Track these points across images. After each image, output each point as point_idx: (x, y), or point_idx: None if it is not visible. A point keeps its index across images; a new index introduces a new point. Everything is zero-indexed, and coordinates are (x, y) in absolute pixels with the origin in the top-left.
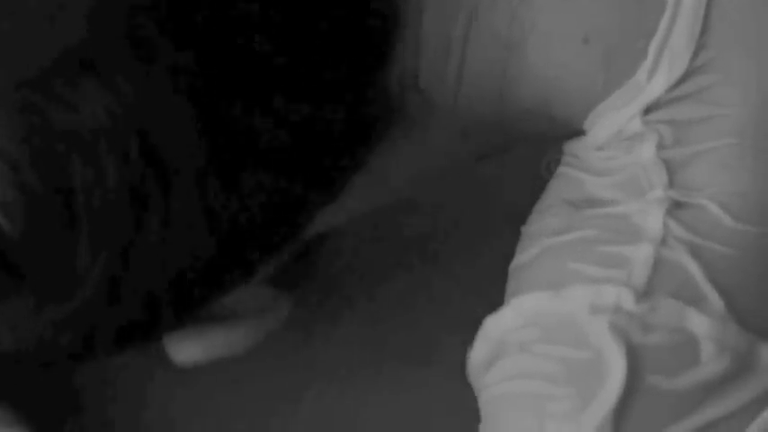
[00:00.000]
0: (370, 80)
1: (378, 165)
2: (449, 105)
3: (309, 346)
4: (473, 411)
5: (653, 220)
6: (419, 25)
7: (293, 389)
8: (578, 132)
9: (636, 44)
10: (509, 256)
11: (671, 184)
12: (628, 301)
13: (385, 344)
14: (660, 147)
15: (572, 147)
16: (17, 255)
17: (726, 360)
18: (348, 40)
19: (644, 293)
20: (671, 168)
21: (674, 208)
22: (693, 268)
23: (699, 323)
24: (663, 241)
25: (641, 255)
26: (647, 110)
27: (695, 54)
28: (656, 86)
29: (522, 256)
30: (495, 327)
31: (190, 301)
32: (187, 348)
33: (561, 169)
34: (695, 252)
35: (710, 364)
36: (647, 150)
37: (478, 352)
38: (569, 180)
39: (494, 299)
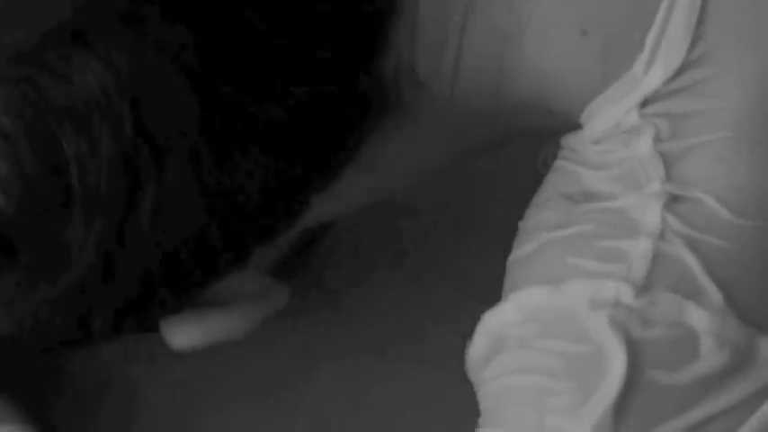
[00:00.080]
0: (366, 64)
1: (373, 153)
2: (445, 97)
3: (312, 332)
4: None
5: (651, 214)
6: (415, 12)
7: (296, 374)
8: (575, 126)
9: (633, 36)
10: (504, 250)
11: (668, 177)
12: (627, 295)
13: (378, 336)
14: (657, 140)
15: (569, 140)
16: (11, 229)
17: (725, 354)
18: (344, 21)
19: (643, 288)
20: (668, 161)
21: (672, 202)
22: (692, 262)
23: (698, 317)
24: (661, 235)
25: (640, 249)
26: (645, 103)
27: (692, 46)
28: (654, 79)
29: (520, 251)
30: (494, 321)
31: (185, 283)
32: (184, 332)
33: (558, 163)
34: (693, 246)
35: (710, 358)
36: (645, 144)
37: (477, 347)
38: (566, 174)
39: (486, 292)
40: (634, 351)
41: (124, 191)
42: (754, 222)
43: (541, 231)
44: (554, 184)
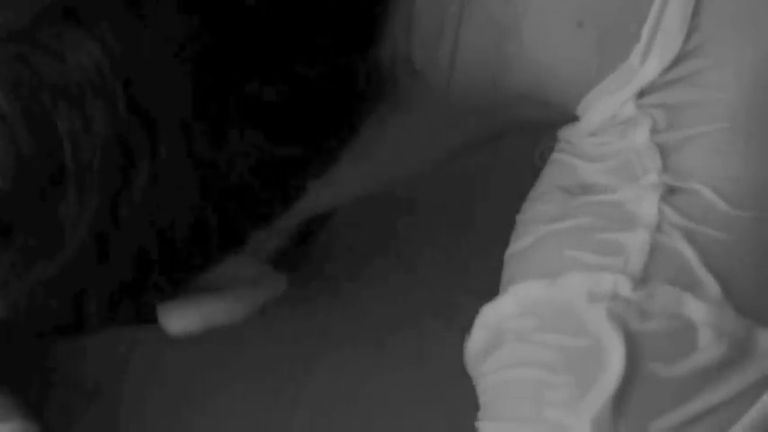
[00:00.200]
0: (363, 51)
1: (369, 141)
2: (442, 88)
3: (311, 321)
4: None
5: (648, 206)
6: (412, 2)
7: (295, 364)
8: (572, 119)
9: (629, 27)
10: (501, 244)
11: (664, 168)
12: (625, 288)
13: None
14: (654, 131)
15: (565, 133)
16: (5, 208)
17: (723, 346)
18: (342, 7)
19: (641, 280)
20: (664, 153)
21: (669, 193)
22: (689, 254)
23: (696, 309)
24: (658, 227)
25: (637, 241)
26: (641, 94)
27: (687, 36)
28: (650, 70)
29: (518, 244)
30: (492, 315)
31: (180, 266)
32: (181, 318)
33: (555, 156)
34: (690, 237)
35: (708, 350)
36: (641, 135)
37: (476, 341)
38: (563, 166)
39: (484, 286)
40: (632, 344)
41: (117, 168)
42: (750, 213)
43: (538, 224)
44: (551, 176)
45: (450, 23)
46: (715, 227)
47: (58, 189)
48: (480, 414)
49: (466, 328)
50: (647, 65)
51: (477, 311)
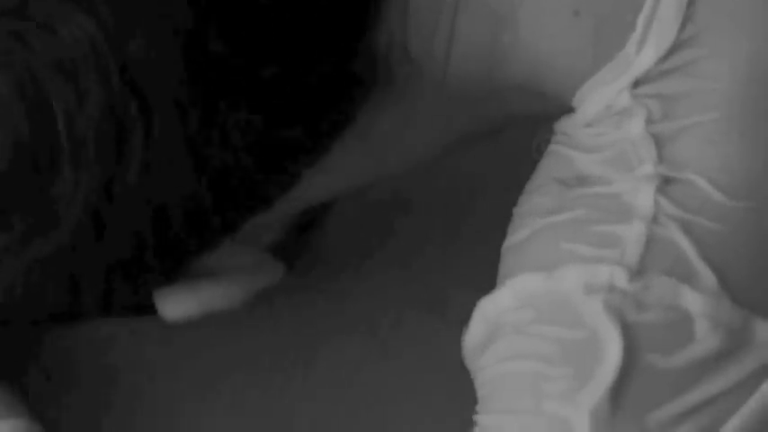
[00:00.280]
0: (357, 37)
1: (365, 128)
2: (438, 77)
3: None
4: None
5: (643, 197)
6: None
7: (298, 352)
8: (568, 110)
9: (625, 17)
10: (497, 239)
11: (660, 158)
12: (621, 279)
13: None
14: (649, 121)
15: (562, 125)
16: (0, 186)
17: (720, 337)
18: None
19: (637, 272)
20: (659, 143)
21: (664, 184)
22: (685, 245)
23: (692, 300)
24: (654, 219)
25: (633, 233)
26: (636, 84)
27: (683, 26)
28: (645, 59)
29: (514, 237)
30: (490, 308)
31: (175, 248)
32: (176, 303)
33: (551, 148)
34: (686, 228)
35: (705, 340)
36: (636, 125)
37: (474, 334)
38: (559, 158)
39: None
40: (629, 335)
41: (111, 144)
42: (745, 204)
43: (535, 217)
44: (547, 169)
45: (446, 12)
46: (710, 218)
47: (53, 166)
48: (478, 407)
49: (463, 321)
50: (642, 54)
51: (473, 306)
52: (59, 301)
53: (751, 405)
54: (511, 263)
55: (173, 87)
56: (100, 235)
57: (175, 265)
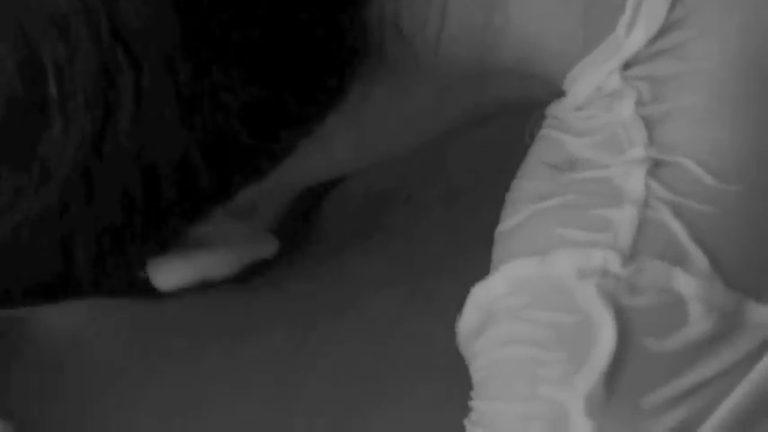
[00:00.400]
0: (349, 9)
1: (358, 104)
2: (430, 56)
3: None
4: None
5: (634, 181)
6: None
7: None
8: (560, 94)
9: None
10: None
11: (650, 141)
12: (614, 263)
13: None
14: (639, 103)
15: (552, 109)
16: None
17: (713, 319)
18: None
19: (630, 256)
20: (649, 125)
21: (655, 167)
22: (677, 228)
23: (685, 283)
24: (645, 202)
25: (625, 217)
26: (626, 66)
27: (672, 7)
28: (635, 41)
29: (507, 223)
30: (483, 295)
31: (167, 212)
32: (171, 271)
33: (542, 132)
34: (678, 212)
35: (699, 323)
36: (627, 107)
37: (468, 320)
38: (550, 142)
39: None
40: (623, 319)
41: (101, 97)
42: (736, 186)
43: (527, 203)
44: (538, 153)
45: None
46: (702, 200)
47: (43, 120)
48: (473, 393)
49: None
50: (632, 36)
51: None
52: (51, 266)
53: (745, 387)
54: (503, 249)
55: (164, 45)
56: (90, 195)
57: (168, 232)
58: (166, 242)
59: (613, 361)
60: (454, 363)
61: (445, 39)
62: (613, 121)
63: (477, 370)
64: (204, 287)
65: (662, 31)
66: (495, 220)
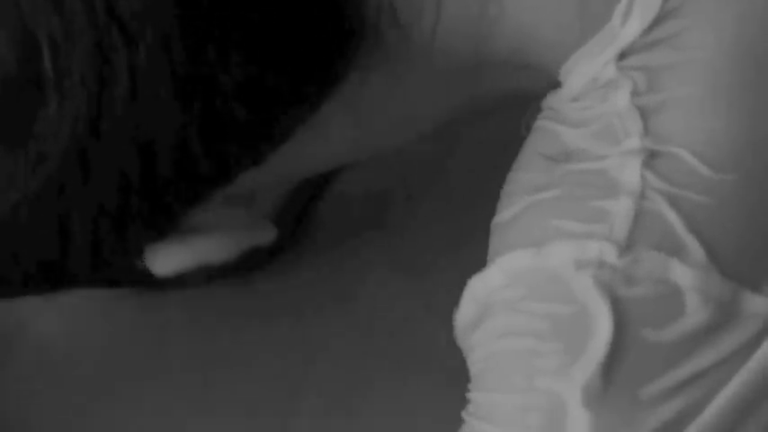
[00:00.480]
0: None
1: (355, 92)
2: (426, 47)
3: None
4: None
5: (630, 172)
6: None
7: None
8: (555, 85)
9: None
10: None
11: (646, 131)
12: (611, 254)
13: None
14: (634, 94)
15: (548, 100)
16: None
17: (710, 310)
18: None
19: (626, 247)
20: (645, 115)
21: (651, 158)
22: (673, 219)
23: (681, 274)
24: (641, 194)
25: (621, 208)
26: (622, 56)
27: None
28: (630, 31)
29: (503, 215)
30: (480, 287)
31: (164, 194)
32: (169, 255)
33: (538, 123)
34: (673, 202)
35: (695, 314)
36: (622, 98)
37: (465, 313)
38: (545, 133)
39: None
40: (620, 310)
41: (96, 75)
42: (732, 176)
43: (522, 195)
44: (534, 145)
45: None
46: (697, 191)
47: (38, 98)
48: (471, 385)
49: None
50: (627, 26)
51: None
52: (48, 247)
53: (742, 376)
54: (500, 241)
55: (160, 24)
56: (87, 174)
57: (166, 215)
58: (164, 226)
59: (610, 352)
60: (453, 357)
61: (441, 30)
62: (609, 111)
63: (475, 362)
64: (204, 279)
65: (657, 21)
66: (492, 216)
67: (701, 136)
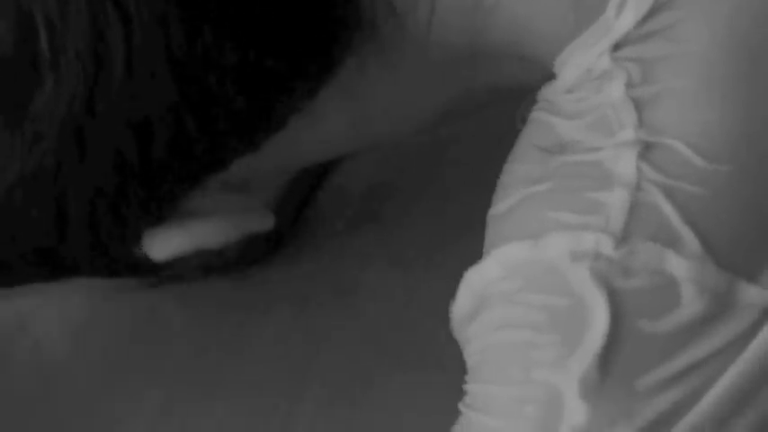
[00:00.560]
0: None
1: (351, 81)
2: (422, 38)
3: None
4: None
5: (625, 164)
6: None
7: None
8: (551, 78)
9: None
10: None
11: (640, 123)
12: (607, 246)
13: None
14: (629, 85)
15: (543, 92)
16: None
17: (705, 301)
18: None
19: (622, 238)
20: (639, 107)
21: (645, 150)
22: (668, 210)
23: (677, 265)
24: (637, 185)
25: (617, 200)
26: (616, 47)
27: None
28: (625, 22)
29: (499, 207)
30: (476, 279)
31: (160, 177)
32: (167, 239)
33: (533, 115)
34: (668, 194)
35: (691, 305)
36: (617, 89)
37: (461, 305)
38: (540, 125)
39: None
40: (616, 301)
41: (92, 54)
42: (726, 167)
43: (518, 187)
44: (529, 136)
45: None
46: (692, 182)
47: (34, 77)
48: (468, 377)
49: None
50: (621, 17)
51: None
52: (45, 230)
53: (738, 366)
54: (495, 233)
55: (156, 2)
56: (83, 154)
57: (163, 198)
58: (162, 210)
59: (607, 343)
60: (452, 350)
61: (436, 20)
62: (603, 102)
63: (472, 354)
64: (203, 274)
65: (651, 12)
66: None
67: (695, 128)
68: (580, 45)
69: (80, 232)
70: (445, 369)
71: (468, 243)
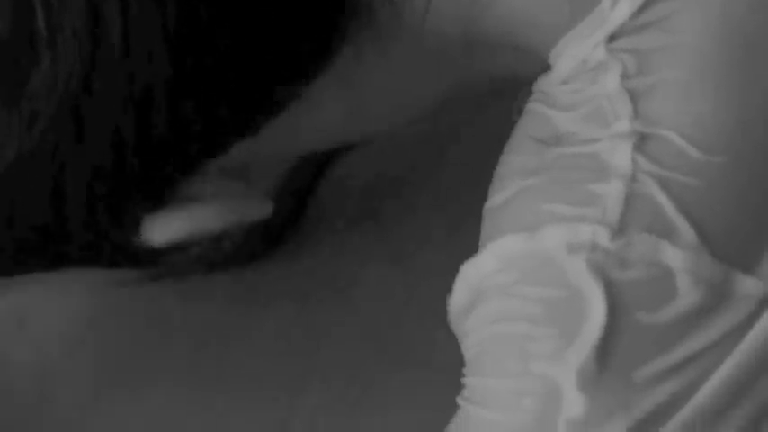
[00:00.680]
0: None
1: (347, 69)
2: (418, 24)
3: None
4: None
5: (621, 156)
6: None
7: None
8: (547, 70)
9: None
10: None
11: (635, 114)
12: (603, 238)
13: None
14: (624, 76)
15: (539, 84)
16: None
17: (701, 291)
18: None
19: (618, 230)
20: (634, 98)
21: (641, 141)
22: (664, 201)
23: (673, 256)
24: (632, 177)
25: (612, 191)
26: (611, 38)
27: None
28: (620, 13)
29: (495, 199)
30: (473, 272)
31: (158, 159)
32: (166, 224)
33: (529, 106)
34: (664, 185)
35: (687, 296)
36: (612, 80)
37: (458, 298)
38: (536, 116)
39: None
40: (613, 293)
41: (88, 31)
42: (721, 158)
43: (514, 179)
44: (525, 128)
45: None
46: (687, 173)
47: (31, 56)
48: (466, 370)
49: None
50: (617, 8)
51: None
52: (43, 212)
53: (735, 357)
54: (492, 225)
55: None
56: (80, 133)
57: (160, 182)
58: (160, 194)
59: (604, 335)
60: (451, 345)
61: (432, 9)
62: (598, 93)
63: (469, 347)
64: (204, 268)
65: (647, 4)
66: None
67: (689, 119)
68: (575, 36)
69: (78, 214)
70: (444, 365)
71: (468, 241)
